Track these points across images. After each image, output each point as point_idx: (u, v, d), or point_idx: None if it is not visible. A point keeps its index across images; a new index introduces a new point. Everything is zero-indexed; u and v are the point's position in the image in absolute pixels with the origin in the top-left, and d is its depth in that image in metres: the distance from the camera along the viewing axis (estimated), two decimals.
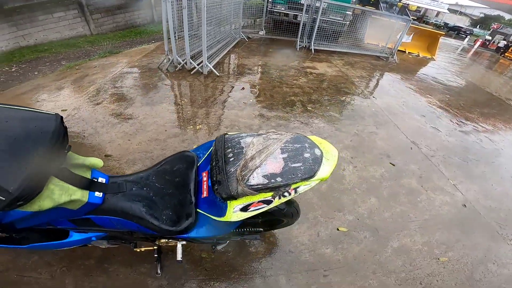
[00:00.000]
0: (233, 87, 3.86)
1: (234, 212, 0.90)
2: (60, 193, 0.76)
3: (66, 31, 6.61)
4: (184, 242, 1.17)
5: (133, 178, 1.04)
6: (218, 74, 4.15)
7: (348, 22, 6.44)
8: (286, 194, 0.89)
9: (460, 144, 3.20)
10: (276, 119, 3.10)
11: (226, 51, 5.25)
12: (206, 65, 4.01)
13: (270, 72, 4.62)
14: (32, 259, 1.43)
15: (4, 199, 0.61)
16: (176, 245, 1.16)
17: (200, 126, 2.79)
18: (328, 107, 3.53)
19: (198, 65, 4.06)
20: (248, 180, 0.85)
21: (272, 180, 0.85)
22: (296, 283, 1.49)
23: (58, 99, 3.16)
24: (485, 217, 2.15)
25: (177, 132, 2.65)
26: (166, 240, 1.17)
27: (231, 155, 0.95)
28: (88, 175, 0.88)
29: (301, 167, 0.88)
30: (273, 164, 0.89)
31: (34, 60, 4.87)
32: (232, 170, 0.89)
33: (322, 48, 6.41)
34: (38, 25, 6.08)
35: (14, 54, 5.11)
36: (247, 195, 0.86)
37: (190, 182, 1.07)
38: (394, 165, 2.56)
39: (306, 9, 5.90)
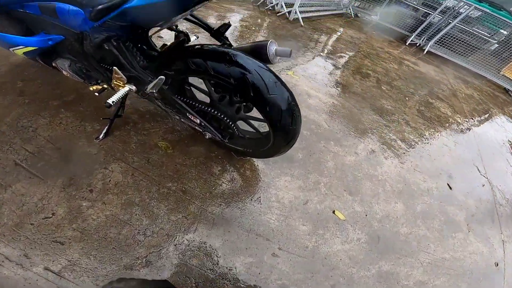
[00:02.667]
0: (311, 40, 3.57)
1: None
2: None
3: None
4: (133, 87, 1.07)
5: None
6: (302, 24, 3.89)
7: (495, 42, 5.04)
8: None
9: None
10: (340, 77, 2.75)
11: (324, 14, 4.90)
12: (295, 12, 3.84)
13: (358, 45, 4.07)
14: None
15: None
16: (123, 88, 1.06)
17: None
18: (407, 99, 2.89)
19: (287, 11, 3.94)
20: None
21: None
22: (237, 247, 1.15)
23: None
24: (507, 283, 1.41)
25: None
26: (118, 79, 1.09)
27: None
28: None
29: None
30: None
31: None
32: None
33: (439, 53, 5.27)
34: None
35: None
36: None
37: None
38: (451, 188, 1.90)
39: (444, 10, 4.88)
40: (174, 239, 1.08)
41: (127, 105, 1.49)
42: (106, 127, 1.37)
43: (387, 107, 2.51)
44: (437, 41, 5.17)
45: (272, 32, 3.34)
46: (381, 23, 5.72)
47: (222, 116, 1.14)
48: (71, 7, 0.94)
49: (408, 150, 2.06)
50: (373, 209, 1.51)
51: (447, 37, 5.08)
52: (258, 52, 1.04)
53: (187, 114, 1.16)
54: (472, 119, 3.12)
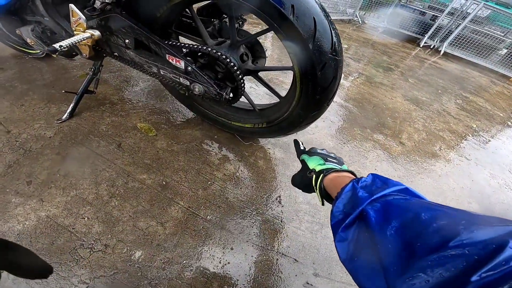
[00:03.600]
0: None
1: None
2: None
3: None
4: (96, 32, 0.80)
5: None
6: None
7: (510, 40, 4.74)
8: None
9: None
10: (361, 69, 2.38)
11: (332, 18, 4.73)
12: None
13: (372, 45, 3.76)
14: None
15: None
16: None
17: None
18: (439, 91, 2.47)
19: None
20: None
21: None
22: (247, 274, 0.84)
23: None
24: None
25: None
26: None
27: None
28: None
29: None
30: None
31: None
32: None
33: (456, 54, 4.97)
34: None
35: None
36: None
37: None
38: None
39: (451, 12, 4.67)
40: (140, 259, 0.64)
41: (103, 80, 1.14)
42: (71, 105, 1.01)
43: (422, 98, 2.10)
44: (452, 43, 4.89)
45: None
46: (390, 28, 5.53)
47: (223, 56, 0.74)
48: None
49: (460, 142, 1.62)
50: None
51: (460, 39, 4.80)
52: None
53: (167, 56, 0.77)
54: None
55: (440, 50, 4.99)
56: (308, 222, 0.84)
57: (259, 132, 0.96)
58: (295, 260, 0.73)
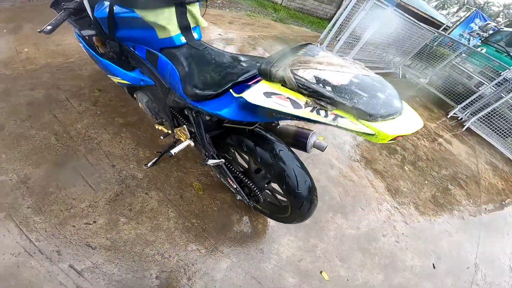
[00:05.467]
0: None
1: (256, 91, 0.80)
2: (164, 17, 0.99)
3: None
4: (192, 143, 1.25)
5: (214, 50, 1.11)
6: None
7: None
8: (322, 111, 0.70)
9: None
10: (367, 151, 2.90)
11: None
12: None
13: None
14: None
15: None
16: (184, 141, 1.25)
17: None
18: (426, 182, 2.95)
19: None
20: (296, 69, 0.72)
21: (321, 85, 0.69)
22: (234, 283, 1.45)
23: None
24: None
25: None
26: (182, 125, 1.28)
27: (302, 52, 0.82)
28: (191, 24, 1.09)
29: (364, 98, 0.66)
30: (335, 75, 0.70)
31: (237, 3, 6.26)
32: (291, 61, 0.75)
33: (478, 132, 5.11)
34: None
35: None
36: (282, 81, 0.74)
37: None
38: (434, 267, 2.00)
39: (500, 82, 4.57)
40: (185, 265, 1.33)
41: None
42: (156, 158, 1.62)
43: (403, 189, 2.62)
44: (481, 118, 4.95)
45: None
46: (427, 88, 5.69)
47: (254, 187, 1.32)
48: (172, 67, 1.07)
49: (407, 231, 2.18)
50: (355, 276, 1.70)
51: (492, 114, 4.83)
52: (299, 138, 1.16)
53: (228, 179, 1.39)
54: (485, 210, 3.08)
55: (465, 125, 5.13)
56: (273, 265, 1.56)
57: (265, 213, 1.61)
58: (259, 282, 1.40)
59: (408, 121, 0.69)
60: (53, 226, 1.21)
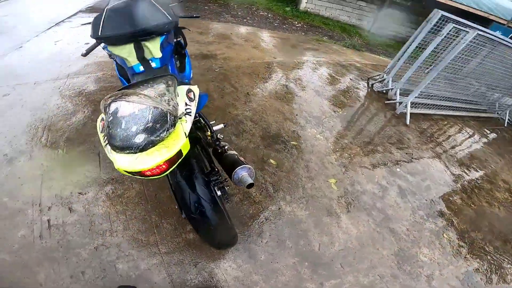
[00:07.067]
0: (399, 161, 2.82)
1: None
2: (125, 51, 1.25)
3: (353, 17, 7.65)
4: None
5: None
6: (407, 124, 3.44)
7: None
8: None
9: None
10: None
11: (456, 114, 4.00)
12: (405, 105, 3.42)
13: (493, 181, 3.04)
14: None
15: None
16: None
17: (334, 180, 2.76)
18: None
19: (399, 101, 3.53)
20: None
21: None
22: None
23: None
24: None
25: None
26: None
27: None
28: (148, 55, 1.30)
29: (117, 130, 0.78)
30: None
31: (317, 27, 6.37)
32: None
33: None
34: (337, 2, 7.51)
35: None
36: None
37: None
38: None
39: None
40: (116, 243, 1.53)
41: None
42: None
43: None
44: None
45: (359, 121, 3.19)
46: None
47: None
48: None
49: None
50: None
51: None
52: (231, 166, 1.19)
53: None
54: None
55: None
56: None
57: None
58: None
59: (146, 161, 0.73)
60: None
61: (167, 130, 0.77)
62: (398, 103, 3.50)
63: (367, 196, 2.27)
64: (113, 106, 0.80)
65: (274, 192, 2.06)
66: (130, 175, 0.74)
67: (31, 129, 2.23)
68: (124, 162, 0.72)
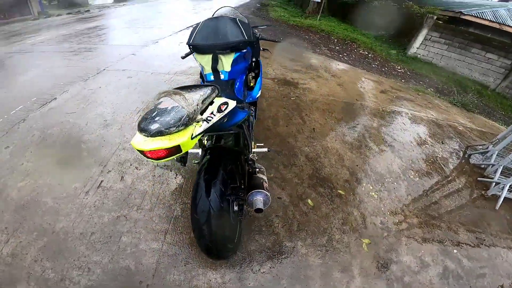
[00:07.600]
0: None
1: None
2: (204, 61, 1.53)
3: (476, 71, 6.44)
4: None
5: None
6: (496, 209, 2.52)
7: None
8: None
9: None
10: None
11: None
12: (501, 187, 2.57)
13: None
14: None
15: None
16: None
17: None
18: None
19: (497, 181, 2.65)
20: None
21: None
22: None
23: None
24: None
25: None
26: None
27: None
28: (220, 68, 1.55)
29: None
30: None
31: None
32: None
33: None
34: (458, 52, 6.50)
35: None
36: None
37: None
38: None
39: None
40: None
41: None
42: None
43: None
44: None
45: (433, 193, 2.56)
46: None
47: None
48: None
49: None
50: None
51: None
52: (251, 187, 1.34)
53: None
54: None
55: None
56: None
57: None
58: None
59: (149, 144, 0.86)
60: None
61: (177, 127, 0.88)
62: (494, 183, 2.65)
63: (398, 266, 1.84)
64: (161, 99, 0.98)
65: (297, 230, 1.93)
66: (138, 152, 0.89)
67: (132, 107, 2.86)
68: (135, 140, 0.89)
